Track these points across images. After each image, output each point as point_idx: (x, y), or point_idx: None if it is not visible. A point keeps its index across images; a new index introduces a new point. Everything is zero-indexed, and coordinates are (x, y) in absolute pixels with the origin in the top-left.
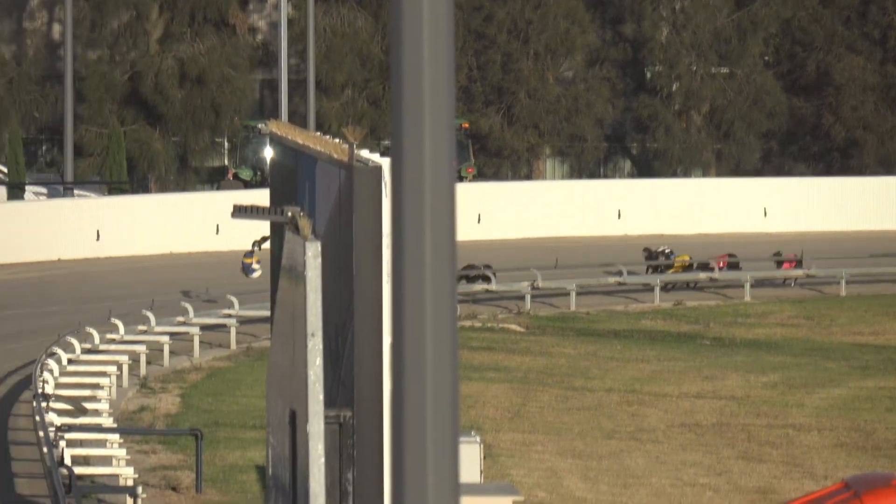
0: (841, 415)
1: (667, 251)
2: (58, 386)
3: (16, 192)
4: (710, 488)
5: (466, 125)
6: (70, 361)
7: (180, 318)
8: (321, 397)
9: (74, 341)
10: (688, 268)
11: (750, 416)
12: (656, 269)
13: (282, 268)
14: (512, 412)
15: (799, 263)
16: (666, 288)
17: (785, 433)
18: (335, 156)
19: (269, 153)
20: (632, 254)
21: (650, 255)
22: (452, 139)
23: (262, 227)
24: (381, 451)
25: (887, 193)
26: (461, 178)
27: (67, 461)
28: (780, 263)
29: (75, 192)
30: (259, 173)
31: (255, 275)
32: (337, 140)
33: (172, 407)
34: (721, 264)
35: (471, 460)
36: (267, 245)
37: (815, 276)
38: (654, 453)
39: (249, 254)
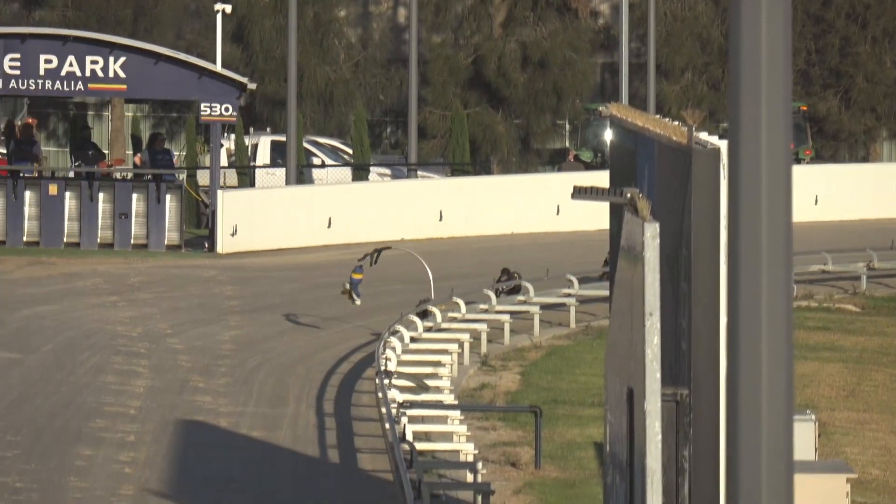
0: None
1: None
2: (400, 363)
3: (360, 173)
4: None
5: (804, 108)
6: (412, 339)
7: (521, 298)
8: (658, 376)
9: (417, 320)
10: None
11: None
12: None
13: (620, 248)
14: (847, 391)
15: None
16: None
17: None
18: (674, 138)
19: (608, 135)
20: None
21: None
22: (789, 122)
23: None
24: (717, 428)
25: None
26: (798, 160)
27: (409, 437)
28: None
29: (419, 173)
30: (599, 155)
31: (357, 302)
32: (676, 123)
33: (512, 384)
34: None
35: (806, 438)
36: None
37: None
38: None
39: (359, 269)
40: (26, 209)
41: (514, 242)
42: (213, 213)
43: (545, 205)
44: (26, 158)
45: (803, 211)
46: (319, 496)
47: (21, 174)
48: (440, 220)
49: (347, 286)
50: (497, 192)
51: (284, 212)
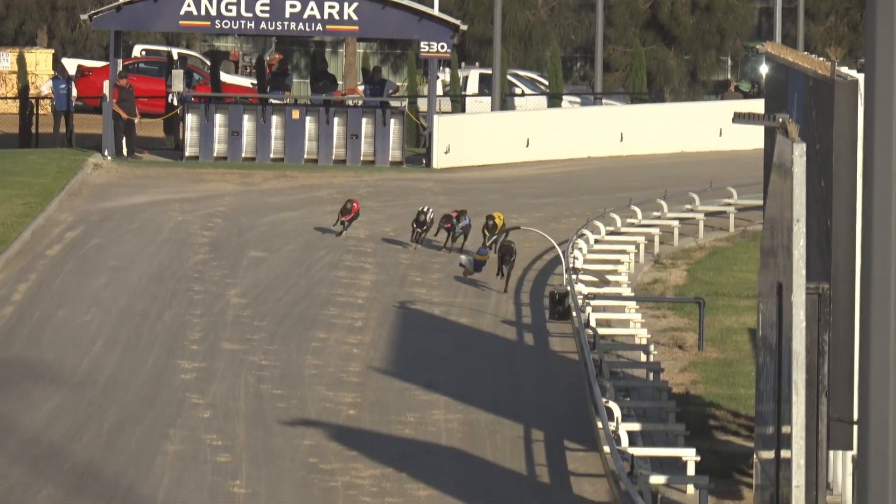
0: None
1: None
2: (585, 261)
3: (554, 101)
4: None
5: None
6: (596, 241)
7: (688, 206)
8: (804, 272)
9: (600, 224)
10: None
11: None
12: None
13: (773, 165)
14: None
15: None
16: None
17: None
18: (819, 72)
19: (764, 69)
20: None
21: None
22: None
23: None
24: (852, 317)
25: None
26: None
27: (592, 323)
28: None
29: (603, 101)
30: (756, 86)
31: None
32: (821, 59)
33: (680, 279)
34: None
35: None
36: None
37: None
38: None
39: (484, 249)
40: (273, 131)
41: (683, 160)
42: (430, 135)
43: (709, 128)
44: (280, 88)
45: None
46: (516, 371)
47: (269, 101)
48: (621, 140)
49: (469, 267)
50: (669, 117)
51: (489, 133)
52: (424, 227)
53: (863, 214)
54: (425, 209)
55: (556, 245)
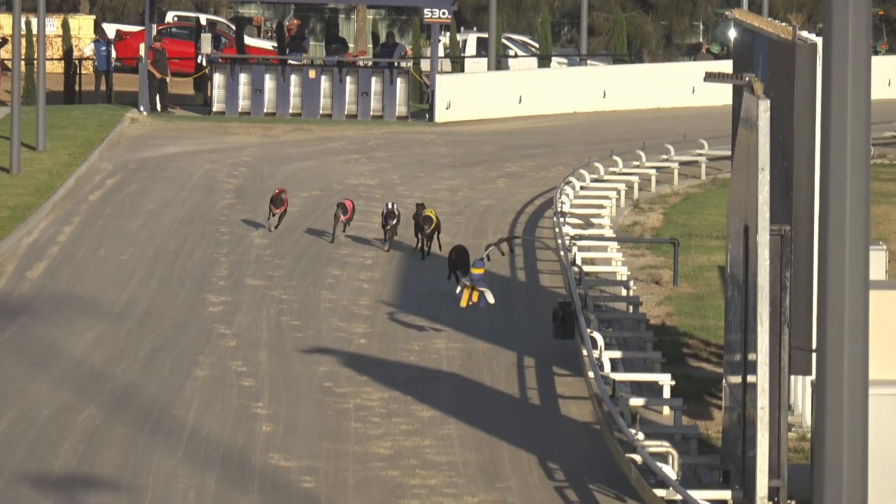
0: None
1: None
2: (572, 206)
3: (544, 62)
4: None
5: (882, 12)
6: (581, 188)
7: (664, 156)
8: (768, 216)
9: (585, 172)
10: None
11: None
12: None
13: (741, 119)
14: None
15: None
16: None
17: None
18: (782, 35)
19: (732, 33)
20: None
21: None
22: (869, 23)
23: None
24: (811, 255)
25: None
26: (876, 52)
27: (578, 262)
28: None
29: (588, 62)
30: (725, 48)
31: (488, 298)
32: (783, 24)
33: (657, 222)
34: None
35: (878, 264)
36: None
37: None
38: None
39: (479, 262)
40: (291, 89)
41: (659, 115)
42: (433, 92)
43: (683, 86)
44: (298, 50)
45: (879, 90)
46: (510, 304)
47: (288, 62)
48: (604, 97)
49: (467, 283)
50: (647, 77)
51: (486, 91)
52: (394, 222)
53: (821, 163)
54: (389, 204)
55: (552, 248)
